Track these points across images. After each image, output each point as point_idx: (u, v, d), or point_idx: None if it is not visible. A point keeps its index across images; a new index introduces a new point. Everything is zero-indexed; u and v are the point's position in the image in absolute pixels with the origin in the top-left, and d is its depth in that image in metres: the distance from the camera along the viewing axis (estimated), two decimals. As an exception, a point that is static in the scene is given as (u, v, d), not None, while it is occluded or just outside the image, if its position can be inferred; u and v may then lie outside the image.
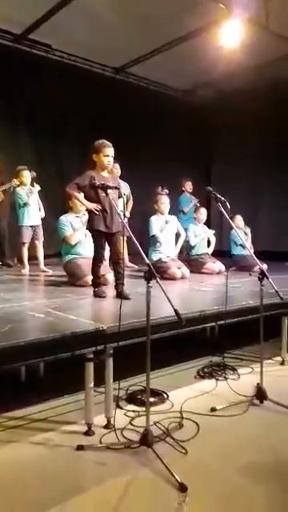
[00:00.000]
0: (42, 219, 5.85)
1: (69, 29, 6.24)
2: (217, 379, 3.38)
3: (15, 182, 5.66)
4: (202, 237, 6.12)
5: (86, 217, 4.27)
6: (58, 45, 6.96)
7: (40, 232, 5.80)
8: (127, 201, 6.26)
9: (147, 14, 5.84)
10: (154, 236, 5.25)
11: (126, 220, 5.87)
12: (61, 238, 4.67)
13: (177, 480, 1.98)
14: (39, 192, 5.85)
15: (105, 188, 3.34)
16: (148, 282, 2.24)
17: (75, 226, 4.61)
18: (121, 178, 5.62)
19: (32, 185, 5.80)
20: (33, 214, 5.72)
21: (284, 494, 1.98)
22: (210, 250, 6.20)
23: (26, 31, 6.54)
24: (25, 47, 6.83)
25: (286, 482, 2.06)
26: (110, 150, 3.66)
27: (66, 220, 4.65)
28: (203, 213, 6.24)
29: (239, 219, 6.40)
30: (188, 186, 7.47)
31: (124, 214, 5.61)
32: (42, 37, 6.68)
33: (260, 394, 2.87)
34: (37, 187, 5.81)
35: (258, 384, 2.91)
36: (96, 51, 7.00)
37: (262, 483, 2.05)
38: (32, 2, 5.73)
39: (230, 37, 5.91)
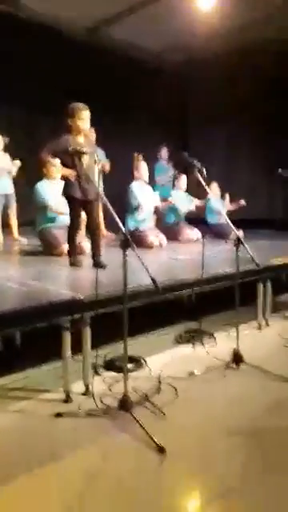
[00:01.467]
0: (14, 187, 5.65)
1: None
2: (194, 344, 3.43)
3: None
4: (188, 204, 6.03)
5: (61, 183, 4.14)
6: (26, 1, 6.56)
7: (12, 200, 5.64)
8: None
9: None
10: (137, 204, 5.09)
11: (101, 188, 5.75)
12: (39, 206, 4.53)
13: (155, 442, 2.01)
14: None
15: (78, 153, 3.24)
16: (124, 251, 2.21)
17: (52, 193, 4.48)
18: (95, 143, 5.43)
19: (5, 151, 5.57)
20: (3, 182, 5.52)
21: (261, 450, 2.04)
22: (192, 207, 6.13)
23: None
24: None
25: (262, 440, 2.13)
26: (86, 113, 3.53)
27: (43, 188, 4.51)
28: (184, 180, 6.15)
29: (215, 186, 6.37)
30: (164, 152, 7.32)
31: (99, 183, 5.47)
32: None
33: (236, 358, 2.94)
34: (17, 163, 5.54)
35: (234, 348, 2.96)
36: (67, 11, 6.64)
37: (238, 441, 2.10)
38: None
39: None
